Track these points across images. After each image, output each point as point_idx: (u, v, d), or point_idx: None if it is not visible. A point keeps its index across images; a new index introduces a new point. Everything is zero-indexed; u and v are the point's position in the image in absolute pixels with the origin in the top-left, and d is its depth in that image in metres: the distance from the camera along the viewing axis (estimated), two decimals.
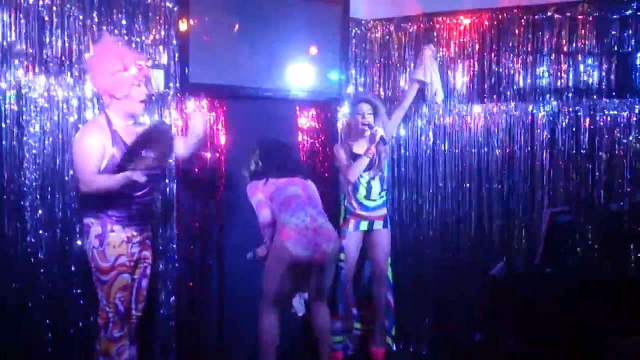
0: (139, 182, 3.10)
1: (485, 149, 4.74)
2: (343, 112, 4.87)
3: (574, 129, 4.54)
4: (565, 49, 4.53)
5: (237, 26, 4.36)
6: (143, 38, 4.12)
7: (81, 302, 3.80)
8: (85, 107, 3.85)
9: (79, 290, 3.79)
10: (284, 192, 3.69)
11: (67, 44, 3.79)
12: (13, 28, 3.56)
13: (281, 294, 3.67)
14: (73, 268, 3.77)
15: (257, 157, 3.90)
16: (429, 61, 4.37)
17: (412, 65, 4.80)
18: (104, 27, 3.92)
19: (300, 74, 4.53)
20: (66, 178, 3.76)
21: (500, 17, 4.65)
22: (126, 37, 4.02)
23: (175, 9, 4.21)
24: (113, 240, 3.19)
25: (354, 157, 4.17)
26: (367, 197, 4.22)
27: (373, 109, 4.17)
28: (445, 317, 4.74)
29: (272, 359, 3.71)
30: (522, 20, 4.61)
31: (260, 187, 3.77)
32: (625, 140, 4.43)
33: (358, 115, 4.20)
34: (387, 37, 4.94)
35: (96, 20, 3.92)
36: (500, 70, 4.67)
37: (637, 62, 4.44)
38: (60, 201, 3.74)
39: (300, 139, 4.76)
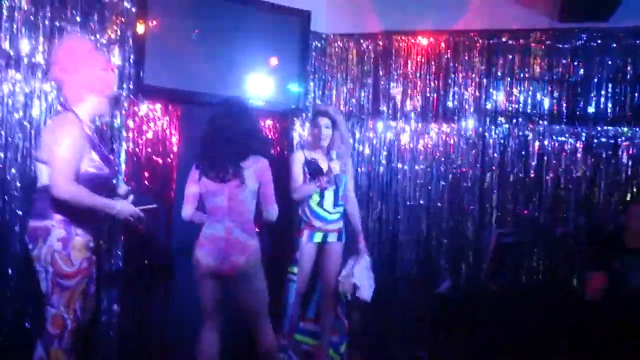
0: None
1: (438, 168, 4.54)
2: (300, 123, 4.58)
3: (523, 153, 4.39)
4: (518, 74, 4.39)
5: (196, 31, 4.02)
6: (98, 37, 3.74)
7: (16, 305, 3.40)
8: (32, 103, 3.44)
9: (14, 295, 3.38)
10: (211, 200, 3.24)
11: (17, 39, 3.39)
12: None
13: (208, 307, 3.26)
14: (9, 271, 3.35)
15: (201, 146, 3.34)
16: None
17: (369, 80, 4.60)
18: (57, 23, 3.53)
19: (258, 83, 4.21)
20: (8, 177, 3.35)
21: (457, 39, 4.47)
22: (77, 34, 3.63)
23: (133, 9, 3.84)
24: (78, 244, 2.79)
25: (309, 164, 3.85)
26: (320, 205, 3.84)
27: (332, 123, 3.83)
28: (392, 335, 4.48)
29: None
30: (478, 44, 4.44)
31: (196, 179, 3.28)
32: (572, 166, 4.30)
33: (316, 129, 3.88)
34: (347, 52, 4.68)
35: (49, 15, 3.52)
36: (455, 90, 4.48)
37: (585, 91, 4.31)
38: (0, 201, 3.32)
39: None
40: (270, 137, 4.42)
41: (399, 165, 4.60)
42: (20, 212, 3.40)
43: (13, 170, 3.39)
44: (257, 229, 3.29)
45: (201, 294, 3.23)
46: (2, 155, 3.36)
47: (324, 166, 3.81)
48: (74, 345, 2.82)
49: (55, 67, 2.86)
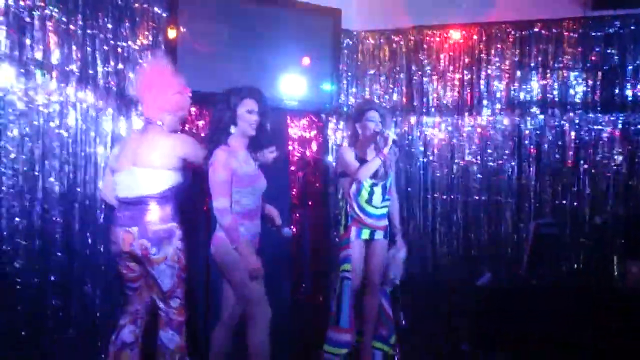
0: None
1: (474, 161, 4.33)
2: (334, 122, 4.39)
3: (559, 143, 4.18)
4: (551, 64, 4.18)
5: (227, 34, 3.84)
6: (130, 43, 3.57)
7: (60, 314, 3.21)
8: (67, 111, 3.26)
9: (58, 303, 3.19)
10: None
11: (49, 47, 3.19)
12: None
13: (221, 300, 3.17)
14: (52, 279, 3.16)
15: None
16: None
17: (402, 75, 4.41)
18: (89, 31, 3.35)
19: (291, 83, 4.03)
20: (46, 186, 3.16)
21: (488, 31, 4.26)
22: (112, 42, 3.46)
23: (164, 15, 3.66)
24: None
25: (361, 162, 3.61)
26: (369, 202, 3.64)
27: (381, 117, 3.64)
28: (433, 327, 4.24)
29: None
30: (510, 36, 4.22)
31: None
32: (609, 155, 4.08)
33: (370, 122, 3.60)
34: (378, 49, 4.47)
35: (80, 23, 3.33)
36: (489, 83, 4.27)
37: (620, 78, 4.08)
38: (40, 209, 3.12)
39: (291, 148, 4.23)
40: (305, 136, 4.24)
41: (434, 159, 4.40)
42: (60, 220, 3.24)
43: (51, 179, 3.20)
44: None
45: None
46: (38, 164, 3.16)
47: None
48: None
49: (137, 87, 3.15)
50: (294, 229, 3.21)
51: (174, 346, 2.96)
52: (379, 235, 3.69)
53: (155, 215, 2.91)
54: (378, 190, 3.64)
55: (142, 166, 2.92)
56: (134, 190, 2.91)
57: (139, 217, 2.90)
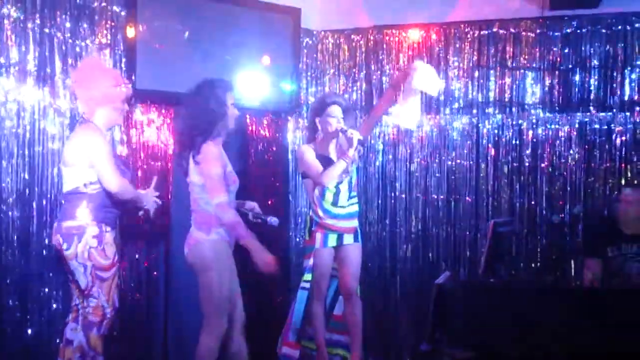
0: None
1: (431, 161, 4.52)
2: (293, 121, 4.56)
3: (517, 142, 4.37)
4: (509, 63, 4.38)
5: (186, 33, 4.01)
6: (88, 42, 3.73)
7: (18, 314, 3.40)
8: (24, 110, 3.43)
9: (15, 302, 3.39)
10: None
11: (6, 46, 3.36)
12: None
13: None
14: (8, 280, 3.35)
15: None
16: (423, 71, 3.55)
17: (362, 75, 4.59)
18: (47, 30, 3.51)
19: (251, 82, 4.18)
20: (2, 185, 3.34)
21: (447, 31, 4.46)
22: (70, 41, 3.62)
23: (123, 13, 3.82)
24: (109, 240, 3.09)
25: (324, 160, 3.59)
26: (335, 203, 3.60)
27: (344, 112, 3.63)
28: (391, 327, 4.46)
29: None
30: (469, 35, 4.42)
31: None
32: (566, 153, 4.30)
33: (331, 118, 3.58)
34: (338, 48, 4.66)
35: (38, 22, 3.50)
36: (448, 83, 4.45)
37: (577, 78, 4.30)
38: None
39: (251, 148, 4.40)
40: (265, 135, 4.40)
41: (393, 158, 4.58)
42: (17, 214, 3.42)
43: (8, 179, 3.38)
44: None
45: None
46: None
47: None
48: (109, 333, 3.12)
49: (72, 83, 3.25)
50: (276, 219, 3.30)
51: (76, 343, 3.01)
52: (349, 239, 3.64)
53: (67, 212, 3.04)
54: (344, 188, 3.60)
55: (62, 164, 3.13)
56: (63, 187, 3.12)
57: (60, 214, 3.15)
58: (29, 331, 3.46)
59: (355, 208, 3.69)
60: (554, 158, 4.31)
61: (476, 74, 4.42)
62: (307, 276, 3.76)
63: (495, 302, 3.72)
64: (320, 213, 3.61)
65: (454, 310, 3.82)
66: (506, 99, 4.39)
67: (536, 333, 3.54)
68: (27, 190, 3.46)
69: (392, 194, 4.56)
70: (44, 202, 3.52)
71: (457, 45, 4.43)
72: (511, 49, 4.35)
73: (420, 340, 4.11)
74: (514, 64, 4.36)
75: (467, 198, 4.43)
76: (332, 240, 3.63)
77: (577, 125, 4.29)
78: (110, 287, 3.05)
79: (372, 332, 4.37)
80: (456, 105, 4.47)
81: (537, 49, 4.32)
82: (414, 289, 4.42)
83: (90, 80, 3.10)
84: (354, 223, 3.69)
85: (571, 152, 4.29)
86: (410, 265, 4.51)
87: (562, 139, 4.31)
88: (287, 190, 4.49)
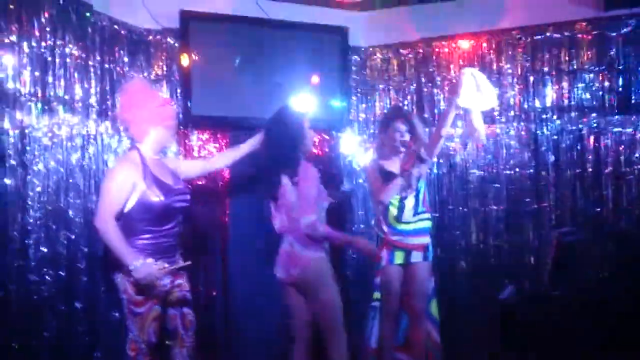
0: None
1: (491, 170, 4.58)
2: (346, 138, 4.75)
3: (578, 148, 4.37)
4: (565, 67, 4.39)
5: (238, 58, 4.27)
6: (145, 74, 4.06)
7: (87, 338, 3.70)
8: (89, 144, 3.77)
9: (84, 328, 3.68)
10: (280, 217, 3.38)
11: (70, 83, 3.71)
12: (16, 69, 3.45)
13: (291, 319, 3.43)
14: (78, 305, 3.65)
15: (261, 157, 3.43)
16: (468, 86, 3.50)
17: (412, 88, 4.73)
18: (107, 65, 3.86)
19: (302, 102, 4.37)
20: (71, 215, 3.66)
21: (498, 39, 4.52)
22: (129, 74, 3.96)
23: (176, 44, 4.13)
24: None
25: (386, 175, 3.74)
26: (399, 219, 3.69)
27: (410, 127, 3.75)
28: (455, 342, 4.45)
29: None
30: (521, 41, 4.48)
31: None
32: (631, 158, 4.26)
33: (395, 133, 3.73)
34: (387, 63, 4.81)
35: (98, 58, 3.84)
36: (502, 91, 4.50)
37: (638, 79, 4.27)
38: (65, 238, 3.62)
39: None
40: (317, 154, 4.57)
41: (450, 170, 4.67)
42: (85, 249, 3.72)
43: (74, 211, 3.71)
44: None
45: (285, 304, 3.43)
46: (63, 196, 3.66)
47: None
48: None
49: (120, 110, 3.33)
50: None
51: None
52: (417, 257, 3.70)
53: None
54: (409, 203, 3.70)
55: None
56: None
57: None
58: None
59: (425, 224, 3.76)
60: (618, 163, 4.27)
61: (531, 79, 4.45)
62: (376, 294, 3.82)
63: (559, 315, 3.78)
64: (385, 229, 3.73)
65: (520, 325, 3.90)
66: (564, 104, 4.39)
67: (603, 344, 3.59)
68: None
69: (449, 207, 4.64)
70: None
71: (510, 52, 4.49)
72: (566, 53, 4.36)
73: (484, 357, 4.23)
74: (570, 68, 4.36)
75: (528, 208, 4.45)
76: (399, 257, 3.72)
77: None
78: (143, 322, 3.08)
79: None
80: (512, 112, 4.51)
81: (594, 51, 4.31)
82: (475, 303, 4.47)
83: (137, 101, 3.20)
84: (424, 240, 3.75)
85: (637, 155, 4.24)
86: (471, 280, 4.58)
87: (626, 142, 4.27)
88: (342, 209, 4.61)
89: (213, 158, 3.62)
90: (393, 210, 3.70)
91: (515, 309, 3.97)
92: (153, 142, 3.23)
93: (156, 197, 3.08)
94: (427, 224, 3.79)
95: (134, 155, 3.18)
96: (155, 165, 3.21)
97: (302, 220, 3.15)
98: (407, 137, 3.74)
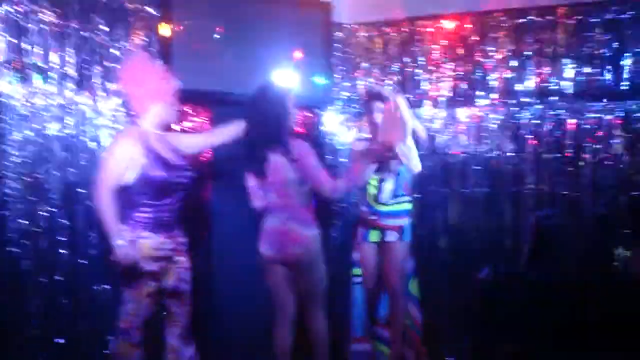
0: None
1: (470, 153, 4.62)
2: (328, 116, 4.73)
3: (558, 132, 4.43)
4: (548, 52, 4.43)
5: (220, 32, 4.20)
6: (124, 44, 3.96)
7: (69, 311, 3.67)
8: (67, 115, 3.71)
9: (65, 300, 3.66)
10: (265, 196, 3.38)
11: (47, 51, 3.64)
12: None
13: (277, 295, 3.46)
14: (58, 277, 3.61)
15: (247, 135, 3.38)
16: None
17: (395, 67, 4.73)
18: (83, 33, 3.78)
19: (285, 78, 4.36)
20: (47, 187, 3.62)
21: (482, 21, 4.54)
22: (107, 44, 3.88)
23: (157, 14, 4.05)
24: (145, 247, 3.11)
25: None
26: (377, 199, 3.78)
27: (382, 104, 3.66)
28: (433, 321, 4.55)
29: None
30: (505, 24, 4.50)
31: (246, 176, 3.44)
32: (609, 143, 4.33)
33: (371, 114, 3.76)
34: (371, 41, 4.79)
35: (76, 26, 3.77)
36: (484, 73, 4.55)
37: (619, 65, 4.33)
38: (44, 210, 3.57)
39: None
40: (299, 131, 4.55)
41: (429, 152, 4.62)
42: (64, 221, 3.70)
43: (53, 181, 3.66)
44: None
45: (269, 283, 3.44)
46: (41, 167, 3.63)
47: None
48: (140, 340, 3.17)
49: (120, 84, 3.35)
50: None
51: (110, 349, 3.25)
52: (392, 236, 3.80)
53: None
54: (388, 186, 3.76)
55: None
56: None
57: None
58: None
59: (403, 207, 3.82)
60: (597, 148, 4.34)
61: (514, 62, 4.49)
62: (355, 270, 3.95)
63: (537, 297, 3.87)
64: (363, 208, 3.81)
65: (497, 305, 3.98)
66: (545, 89, 4.44)
67: (581, 328, 3.68)
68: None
69: (431, 188, 4.66)
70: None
71: (493, 35, 4.51)
72: (549, 37, 4.40)
73: (463, 336, 4.31)
74: (553, 52, 4.40)
75: (506, 190, 4.51)
76: (374, 235, 3.82)
77: (622, 114, 4.30)
78: (138, 296, 3.12)
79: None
80: (494, 95, 4.55)
81: (576, 36, 4.36)
82: (453, 282, 4.54)
83: (140, 76, 3.19)
84: (400, 221, 3.81)
85: (616, 140, 4.31)
86: (450, 260, 4.65)
87: (605, 127, 4.33)
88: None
89: (213, 133, 3.56)
90: (371, 190, 3.75)
91: (493, 289, 4.06)
92: (154, 117, 3.22)
93: (157, 172, 3.10)
94: (406, 206, 3.85)
95: (135, 130, 3.19)
96: (157, 140, 3.20)
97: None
98: (377, 116, 3.72)
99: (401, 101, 3.41)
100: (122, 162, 3.06)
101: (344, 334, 4.09)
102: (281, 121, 3.30)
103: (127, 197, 3.09)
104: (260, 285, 3.52)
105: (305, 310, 3.45)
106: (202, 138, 3.62)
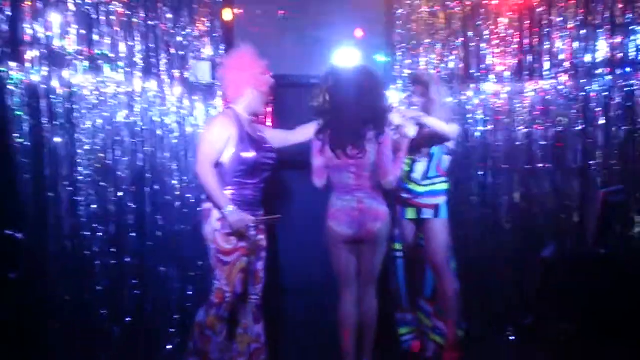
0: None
1: (537, 127, 4.53)
2: (390, 95, 4.72)
3: (629, 105, 4.26)
4: (620, 21, 4.24)
5: (280, 14, 4.30)
6: (189, 30, 4.15)
7: (137, 292, 3.94)
8: (135, 102, 3.91)
9: (134, 281, 3.92)
10: (337, 175, 3.51)
11: (115, 41, 3.84)
12: (61, 27, 3.60)
13: (343, 273, 3.59)
14: (128, 260, 3.87)
15: (325, 99, 3.51)
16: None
17: (459, 43, 4.65)
18: (150, 22, 3.96)
19: (346, 58, 4.43)
20: (118, 173, 3.85)
21: None
22: (172, 31, 4.05)
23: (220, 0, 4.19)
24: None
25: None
26: (410, 178, 3.89)
27: (424, 89, 3.84)
28: (497, 300, 4.59)
29: (351, 341, 3.61)
30: None
31: (318, 151, 3.54)
32: None
33: (411, 97, 3.93)
34: (433, 16, 4.70)
35: (142, 15, 3.94)
36: (552, 46, 4.42)
37: None
38: (114, 196, 3.81)
39: None
40: None
41: (495, 128, 4.64)
42: (133, 205, 3.93)
43: (123, 167, 3.90)
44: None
45: (336, 261, 3.58)
46: (111, 154, 3.85)
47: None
48: (229, 315, 3.44)
49: (223, 70, 3.57)
50: None
51: (197, 319, 3.44)
52: (427, 214, 3.90)
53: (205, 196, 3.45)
54: (420, 166, 3.87)
55: None
56: None
57: None
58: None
59: (438, 187, 3.92)
60: None
61: (582, 33, 4.34)
62: (395, 245, 4.09)
63: (605, 275, 3.83)
64: (398, 185, 3.84)
65: (561, 283, 3.97)
66: (616, 60, 4.26)
67: None
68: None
69: (494, 164, 4.63)
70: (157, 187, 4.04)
71: (562, 5, 4.37)
72: (621, 6, 4.20)
73: (523, 313, 4.33)
74: (624, 21, 4.21)
75: (574, 166, 4.42)
76: (410, 213, 3.96)
77: None
78: (231, 271, 3.35)
79: (474, 303, 4.59)
80: (561, 68, 4.42)
81: None
82: (517, 260, 4.53)
83: (243, 63, 3.47)
84: (435, 200, 3.91)
85: None
86: (514, 237, 4.62)
87: None
88: None
89: (294, 131, 3.72)
90: (405, 168, 3.85)
91: (557, 267, 4.05)
92: (247, 103, 3.49)
93: (249, 152, 3.37)
94: (441, 186, 3.94)
95: (230, 113, 3.46)
96: (248, 124, 3.48)
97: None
98: (415, 100, 3.88)
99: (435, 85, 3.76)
100: (221, 141, 3.33)
101: (388, 305, 4.20)
102: (378, 104, 3.50)
103: (219, 173, 3.35)
104: (321, 264, 3.68)
105: (363, 285, 3.62)
106: (284, 134, 3.76)
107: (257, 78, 3.47)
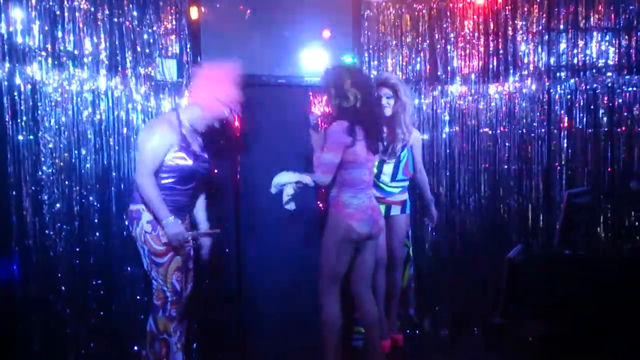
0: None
1: (502, 130, 4.67)
2: None
3: (592, 107, 4.45)
4: (582, 25, 4.43)
5: (248, 13, 4.33)
6: (155, 28, 4.13)
7: (102, 292, 3.91)
8: (100, 100, 3.89)
9: (99, 281, 3.89)
10: (353, 171, 3.51)
11: (80, 38, 3.81)
12: (25, 24, 3.57)
13: (340, 273, 3.60)
14: (92, 260, 3.84)
15: (356, 98, 3.48)
16: None
17: (425, 45, 4.76)
18: (115, 19, 3.94)
19: (313, 59, 4.49)
20: (82, 171, 3.82)
21: None
22: (138, 29, 4.04)
23: None
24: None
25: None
26: (377, 178, 4.07)
27: (393, 92, 4.01)
28: (463, 300, 4.69)
29: (335, 339, 3.62)
30: None
31: (344, 146, 3.45)
32: None
33: (380, 99, 4.00)
34: (400, 19, 4.81)
35: (107, 12, 3.93)
36: (516, 49, 4.58)
37: None
38: (77, 194, 3.79)
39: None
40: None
41: (460, 129, 4.75)
42: (97, 204, 3.90)
43: (87, 166, 3.86)
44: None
45: (338, 260, 3.56)
46: (76, 152, 3.82)
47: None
48: (178, 314, 3.46)
49: (201, 71, 3.63)
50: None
51: (148, 329, 3.47)
52: (395, 210, 4.18)
53: (133, 196, 3.48)
54: (388, 168, 4.11)
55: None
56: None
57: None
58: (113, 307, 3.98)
59: (403, 184, 4.20)
60: (631, 123, 4.36)
61: (546, 37, 4.50)
62: None
63: (570, 275, 3.93)
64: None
65: (528, 284, 4.06)
66: (579, 63, 4.45)
67: (613, 305, 3.73)
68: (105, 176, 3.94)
69: (460, 166, 4.74)
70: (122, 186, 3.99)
71: (525, 9, 4.53)
72: (583, 10, 4.40)
73: (491, 313, 4.42)
74: (586, 25, 4.40)
75: (539, 167, 4.57)
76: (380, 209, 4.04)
77: None
78: (166, 271, 3.39)
79: (442, 304, 4.69)
80: (525, 71, 4.58)
81: (611, 9, 4.35)
82: (484, 261, 4.62)
83: (222, 76, 3.53)
84: (401, 197, 4.21)
85: None
86: (480, 238, 4.74)
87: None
88: None
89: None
90: (374, 171, 3.91)
91: (523, 268, 4.14)
92: (195, 115, 3.52)
93: (186, 160, 3.41)
94: (405, 184, 4.22)
95: (173, 118, 3.47)
96: (187, 132, 3.49)
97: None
98: (390, 102, 4.04)
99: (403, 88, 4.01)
100: (162, 150, 3.34)
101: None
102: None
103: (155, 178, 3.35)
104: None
105: (364, 283, 3.71)
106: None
107: (227, 97, 3.52)
